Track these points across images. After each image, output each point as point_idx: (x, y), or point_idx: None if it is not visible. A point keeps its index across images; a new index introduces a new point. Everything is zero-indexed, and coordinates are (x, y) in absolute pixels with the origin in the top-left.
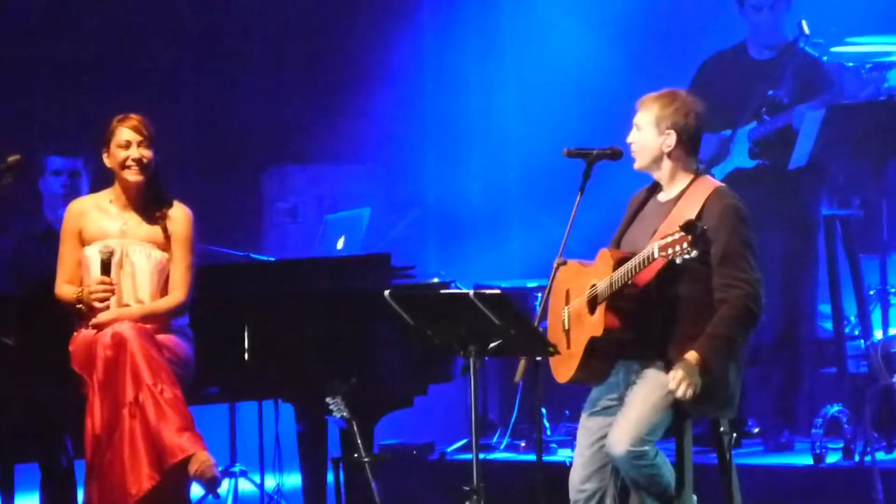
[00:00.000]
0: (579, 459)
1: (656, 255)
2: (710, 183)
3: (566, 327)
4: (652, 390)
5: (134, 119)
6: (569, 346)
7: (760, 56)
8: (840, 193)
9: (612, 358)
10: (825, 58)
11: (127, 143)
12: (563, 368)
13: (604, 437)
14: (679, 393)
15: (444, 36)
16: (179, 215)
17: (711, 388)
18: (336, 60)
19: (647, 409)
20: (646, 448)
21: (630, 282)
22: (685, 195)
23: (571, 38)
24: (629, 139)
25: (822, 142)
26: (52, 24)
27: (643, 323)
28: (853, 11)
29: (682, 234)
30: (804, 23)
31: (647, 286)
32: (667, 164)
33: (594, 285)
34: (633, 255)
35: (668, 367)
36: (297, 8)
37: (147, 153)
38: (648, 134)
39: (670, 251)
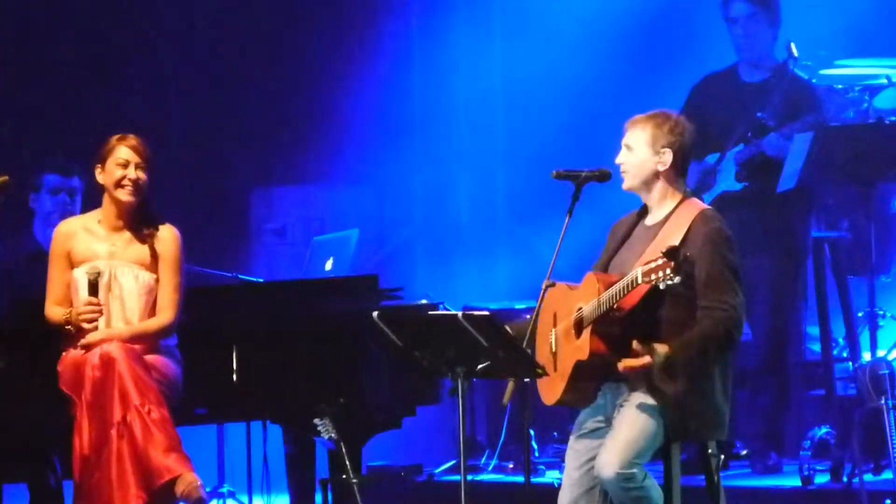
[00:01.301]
0: (567, 482)
1: (640, 281)
2: (696, 206)
3: (553, 349)
4: (640, 413)
5: (133, 139)
6: (556, 369)
7: (750, 78)
8: (828, 216)
9: (598, 381)
10: (814, 80)
11: (126, 162)
12: (551, 391)
13: (592, 458)
14: (628, 364)
15: (432, 56)
16: (168, 236)
17: (698, 409)
18: (324, 81)
19: (635, 433)
20: (634, 471)
21: (615, 305)
22: (671, 218)
23: (562, 58)
24: (619, 160)
25: (810, 164)
26: (35, 46)
27: (629, 346)
28: (842, 34)
29: (665, 260)
30: (793, 45)
31: (633, 310)
32: (658, 184)
33: (580, 308)
34: (620, 278)
35: (653, 392)
36: (284, 30)
37: (143, 176)
38: (642, 154)
39: (653, 276)
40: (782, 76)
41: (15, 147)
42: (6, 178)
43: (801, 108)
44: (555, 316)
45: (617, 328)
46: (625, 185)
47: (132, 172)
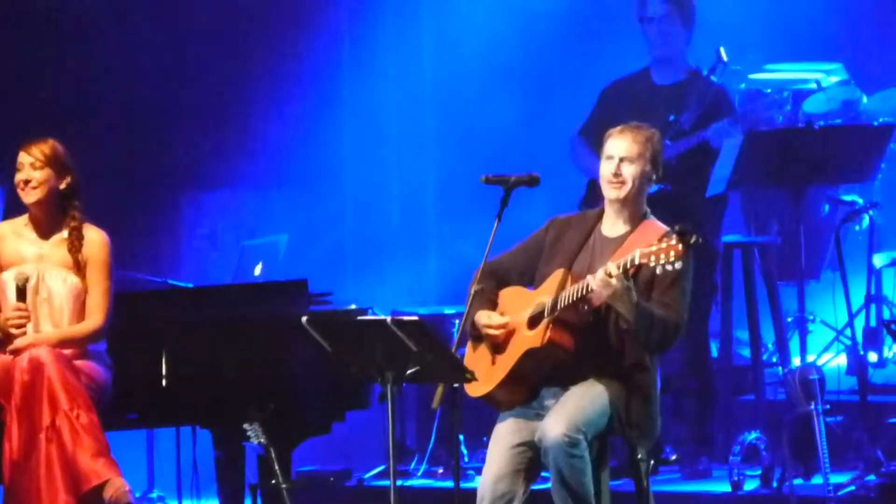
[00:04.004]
0: (494, 461)
1: (637, 261)
2: (660, 225)
3: (496, 346)
4: (589, 389)
5: (31, 143)
6: (494, 362)
7: (663, 81)
8: (758, 220)
9: (536, 380)
10: (743, 85)
11: (21, 165)
12: (484, 381)
13: (522, 443)
14: (601, 276)
15: (361, 59)
16: (96, 240)
17: (637, 411)
18: (252, 85)
19: (585, 402)
20: (580, 437)
21: (586, 296)
22: (636, 232)
23: (492, 63)
24: (615, 170)
25: (740, 168)
26: None
27: (586, 344)
28: (772, 38)
29: (673, 242)
30: (722, 50)
31: (600, 308)
32: (641, 199)
33: (541, 302)
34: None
35: (602, 383)
36: (211, 35)
37: (36, 175)
38: (642, 166)
39: (653, 259)
40: (695, 80)
41: None
42: None
43: (716, 113)
44: (502, 315)
45: (579, 322)
46: (615, 196)
47: (24, 174)
